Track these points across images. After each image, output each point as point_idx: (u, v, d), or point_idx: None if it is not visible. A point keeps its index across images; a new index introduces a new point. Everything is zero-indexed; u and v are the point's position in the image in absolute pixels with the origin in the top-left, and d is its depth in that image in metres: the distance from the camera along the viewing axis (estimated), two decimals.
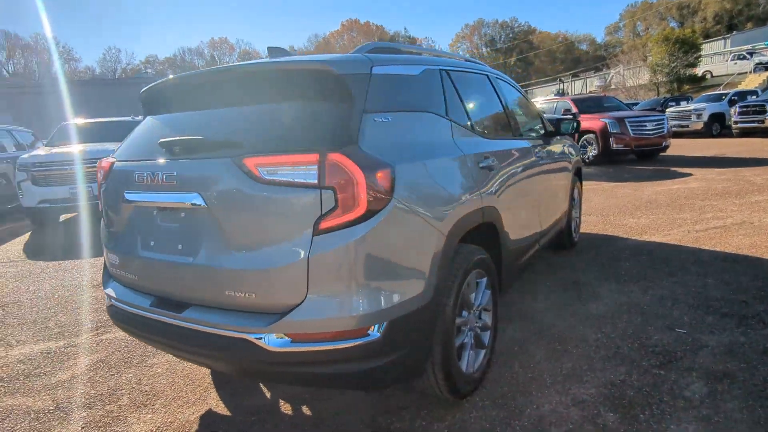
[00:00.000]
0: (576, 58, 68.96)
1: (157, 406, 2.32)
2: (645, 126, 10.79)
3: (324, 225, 1.61)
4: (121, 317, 2.17)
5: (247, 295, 1.70)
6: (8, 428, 2.21)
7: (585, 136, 11.24)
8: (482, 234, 2.36)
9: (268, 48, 2.54)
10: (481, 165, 2.36)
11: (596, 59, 60.31)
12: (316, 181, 1.61)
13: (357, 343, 1.64)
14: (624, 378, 2.27)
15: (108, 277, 2.35)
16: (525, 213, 3.06)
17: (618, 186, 7.96)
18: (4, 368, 2.82)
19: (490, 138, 2.72)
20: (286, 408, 2.27)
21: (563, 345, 2.64)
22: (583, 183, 5.00)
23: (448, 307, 1.96)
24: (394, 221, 1.72)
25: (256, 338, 1.67)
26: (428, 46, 65.90)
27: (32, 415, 2.30)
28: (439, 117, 2.27)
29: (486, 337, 2.40)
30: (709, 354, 2.45)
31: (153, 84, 2.31)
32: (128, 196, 2.04)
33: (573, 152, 4.40)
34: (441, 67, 2.48)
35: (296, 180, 1.63)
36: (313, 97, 1.86)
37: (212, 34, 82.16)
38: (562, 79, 46.18)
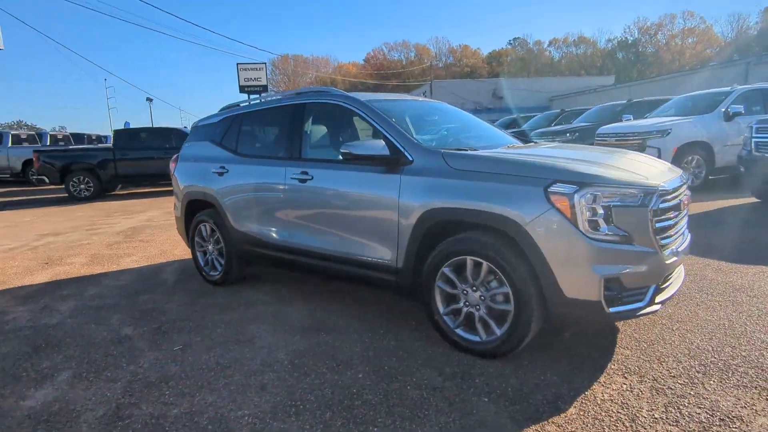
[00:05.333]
0: None
1: None
2: None
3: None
4: None
5: None
6: None
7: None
8: (207, 207, 4.37)
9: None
10: (212, 170, 4.27)
11: None
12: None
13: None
14: None
15: None
16: (257, 212, 3.89)
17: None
18: None
19: (242, 156, 4.14)
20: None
21: None
22: None
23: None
24: (175, 178, 4.71)
25: None
26: None
27: None
28: (213, 144, 4.44)
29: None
30: None
31: None
32: None
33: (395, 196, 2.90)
34: (237, 113, 4.36)
35: None
36: None
37: None
38: None
